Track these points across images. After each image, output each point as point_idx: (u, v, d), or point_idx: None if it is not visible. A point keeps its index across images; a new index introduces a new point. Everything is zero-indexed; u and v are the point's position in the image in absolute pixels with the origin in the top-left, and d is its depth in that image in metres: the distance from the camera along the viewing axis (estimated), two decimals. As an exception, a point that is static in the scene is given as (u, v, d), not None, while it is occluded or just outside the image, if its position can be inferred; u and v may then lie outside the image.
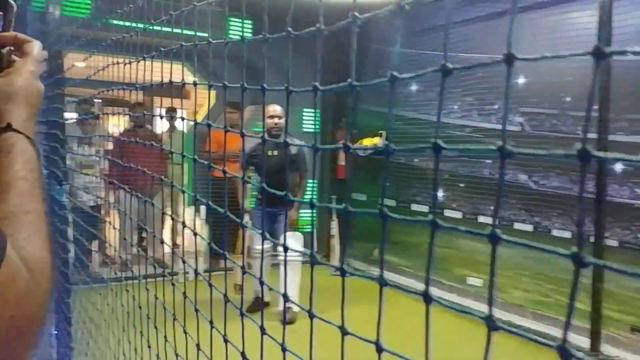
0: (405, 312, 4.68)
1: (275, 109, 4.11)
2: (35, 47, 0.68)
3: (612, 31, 3.55)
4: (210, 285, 0.71)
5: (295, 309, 4.24)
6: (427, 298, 0.43)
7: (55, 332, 2.18)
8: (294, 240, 4.19)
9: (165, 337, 0.92)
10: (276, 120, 4.07)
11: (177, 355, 0.85)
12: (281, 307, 4.24)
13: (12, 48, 0.68)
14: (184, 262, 0.94)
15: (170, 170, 5.47)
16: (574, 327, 3.96)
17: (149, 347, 1.06)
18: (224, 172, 0.64)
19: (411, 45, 5.37)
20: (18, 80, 0.64)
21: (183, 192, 1.09)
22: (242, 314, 0.60)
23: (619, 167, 3.70)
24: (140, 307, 1.07)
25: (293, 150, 4.16)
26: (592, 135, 3.78)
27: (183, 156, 0.77)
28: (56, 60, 1.92)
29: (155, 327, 0.99)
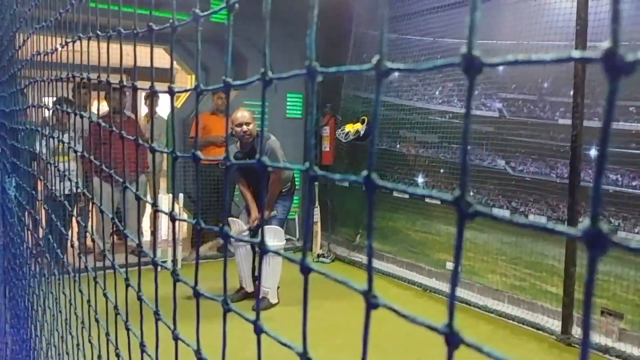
0: (383, 295, 4.75)
1: (242, 115, 4.04)
2: None
3: (588, 17, 3.59)
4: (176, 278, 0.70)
5: (273, 299, 4.27)
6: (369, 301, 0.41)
7: (12, 329, 2.16)
8: (273, 234, 4.18)
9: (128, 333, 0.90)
10: (244, 127, 4.00)
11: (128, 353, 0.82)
12: (261, 295, 4.25)
13: None
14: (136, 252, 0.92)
15: (150, 157, 5.42)
16: (546, 309, 4.07)
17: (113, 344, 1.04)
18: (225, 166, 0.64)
19: (394, 30, 5.35)
20: None
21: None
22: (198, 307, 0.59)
23: (593, 152, 3.76)
24: (106, 299, 1.05)
25: (262, 153, 4.11)
26: (567, 122, 3.84)
27: (172, 154, 0.75)
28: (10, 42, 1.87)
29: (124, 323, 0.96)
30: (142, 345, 0.77)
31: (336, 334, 3.65)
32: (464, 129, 0.29)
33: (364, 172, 0.36)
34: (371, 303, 0.38)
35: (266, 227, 4.14)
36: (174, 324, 0.63)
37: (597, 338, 3.63)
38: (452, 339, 0.32)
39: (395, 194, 5.49)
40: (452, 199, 0.31)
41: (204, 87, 0.50)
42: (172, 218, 0.61)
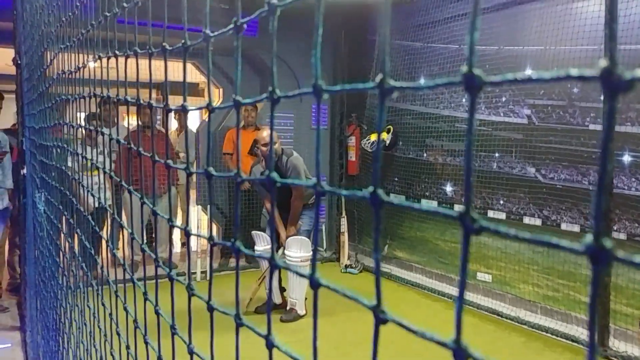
0: (412, 307, 4.70)
1: (268, 134, 4.08)
2: None
3: (617, 20, 3.50)
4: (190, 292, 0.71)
5: (300, 310, 4.27)
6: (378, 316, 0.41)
7: (43, 340, 2.21)
8: (300, 245, 4.20)
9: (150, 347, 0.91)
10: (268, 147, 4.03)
11: None
12: (288, 307, 4.26)
13: None
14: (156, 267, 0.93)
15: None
16: (581, 320, 3.94)
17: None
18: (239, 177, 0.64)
19: (417, 38, 5.34)
20: None
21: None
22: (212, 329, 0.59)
23: (627, 158, 3.65)
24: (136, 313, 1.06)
25: (286, 170, 4.11)
26: (598, 127, 3.74)
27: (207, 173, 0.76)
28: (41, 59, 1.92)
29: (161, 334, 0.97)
30: (159, 359, 0.78)
31: (361, 346, 3.62)
32: (467, 145, 0.29)
33: (370, 188, 0.36)
34: (380, 318, 0.38)
35: (292, 238, 4.15)
36: (189, 337, 0.63)
37: (635, 350, 3.50)
38: (459, 354, 0.32)
39: (423, 202, 5.44)
40: (457, 215, 0.30)
41: (216, 106, 0.51)
42: (186, 232, 0.62)
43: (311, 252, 4.38)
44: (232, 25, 0.46)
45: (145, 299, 0.78)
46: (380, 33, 5.87)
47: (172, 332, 0.68)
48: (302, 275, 0.43)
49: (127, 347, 0.94)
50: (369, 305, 0.38)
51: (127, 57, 0.80)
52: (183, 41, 0.55)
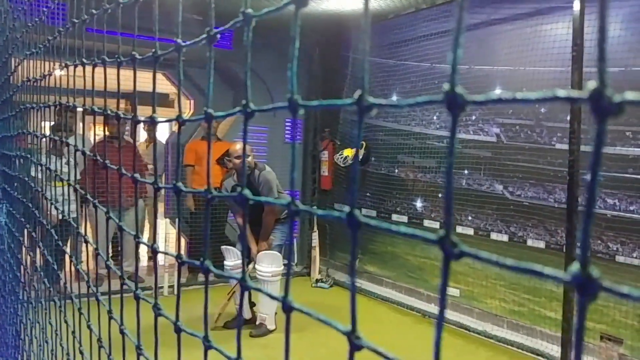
0: (382, 321, 4.71)
1: (237, 148, 4.08)
2: None
3: (584, 43, 3.62)
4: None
5: (270, 325, 4.22)
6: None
7: (2, 357, 2.11)
8: (271, 260, 4.15)
9: None
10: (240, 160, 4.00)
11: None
12: (258, 322, 4.20)
13: None
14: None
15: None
16: (546, 335, 4.00)
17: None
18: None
19: (390, 56, 5.41)
20: None
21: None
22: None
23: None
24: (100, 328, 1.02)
25: (257, 184, 4.07)
26: (564, 146, 3.84)
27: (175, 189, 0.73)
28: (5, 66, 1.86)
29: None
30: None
31: (334, 362, 3.58)
32: (447, 166, 0.28)
33: (347, 209, 0.34)
34: (355, 345, 0.36)
35: (263, 252, 4.10)
36: (155, 358, 0.61)
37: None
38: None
39: (394, 217, 5.47)
40: (437, 239, 0.29)
41: (186, 118, 0.49)
42: (154, 250, 0.59)
43: (282, 267, 4.36)
44: (204, 35, 0.45)
45: (110, 317, 0.75)
46: (359, 49, 5.93)
47: (137, 353, 0.65)
48: (274, 298, 0.41)
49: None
50: (344, 331, 0.37)
51: (94, 65, 0.77)
52: (154, 50, 0.53)
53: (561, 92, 0.26)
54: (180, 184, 0.51)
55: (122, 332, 0.70)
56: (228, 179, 4.25)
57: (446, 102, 0.29)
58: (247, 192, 0.43)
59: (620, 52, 3.48)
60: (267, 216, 4.09)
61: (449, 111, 0.29)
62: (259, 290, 0.43)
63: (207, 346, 0.47)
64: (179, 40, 0.48)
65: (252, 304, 4.34)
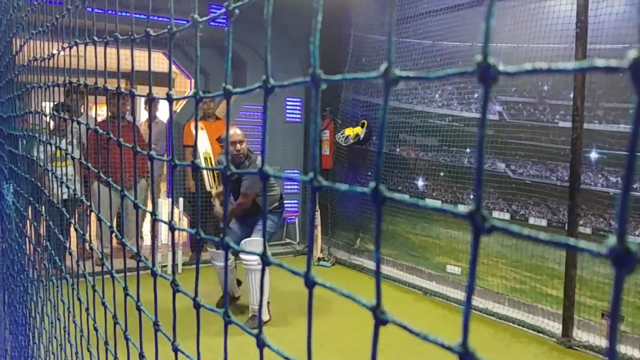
0: (383, 299, 4.74)
1: (236, 133, 4.00)
2: None
3: (588, 19, 3.58)
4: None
5: (264, 316, 4.11)
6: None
7: (12, 335, 2.13)
8: (256, 248, 4.08)
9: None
10: (237, 146, 3.96)
11: None
12: (251, 314, 4.13)
13: None
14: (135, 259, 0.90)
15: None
16: (547, 312, 4.05)
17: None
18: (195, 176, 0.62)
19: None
20: None
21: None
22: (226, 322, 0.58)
23: (594, 155, 3.75)
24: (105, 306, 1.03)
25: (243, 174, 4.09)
26: (567, 124, 3.83)
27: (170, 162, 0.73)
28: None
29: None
30: (141, 356, 0.76)
31: (324, 347, 3.63)
32: (479, 140, 0.28)
33: (372, 184, 0.34)
34: (380, 319, 0.36)
35: (249, 240, 4.03)
36: (174, 335, 0.61)
37: (597, 341, 3.62)
38: (466, 358, 0.31)
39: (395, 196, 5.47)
40: (467, 214, 0.29)
41: (204, 94, 0.48)
42: (172, 228, 0.59)
43: (257, 257, 4.32)
44: (223, 10, 0.44)
45: (126, 295, 0.76)
46: (359, 26, 5.87)
47: (155, 329, 0.65)
48: (295, 273, 0.41)
49: (106, 343, 0.91)
50: (369, 306, 0.37)
51: (107, 44, 0.76)
52: (169, 27, 0.53)
53: (599, 62, 0.25)
54: (198, 161, 0.51)
55: (138, 309, 0.71)
56: (223, 157, 4.23)
57: (478, 73, 0.28)
58: (268, 169, 0.43)
59: (625, 28, 3.44)
60: (238, 203, 4.03)
61: (481, 83, 0.29)
62: (280, 265, 0.43)
63: (227, 321, 0.48)
64: (195, 16, 0.48)
65: (238, 282, 4.38)
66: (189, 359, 0.58)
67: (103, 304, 0.90)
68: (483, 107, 0.27)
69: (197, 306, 0.54)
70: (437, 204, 0.32)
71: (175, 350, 0.59)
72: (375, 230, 0.35)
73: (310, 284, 0.40)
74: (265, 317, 4.14)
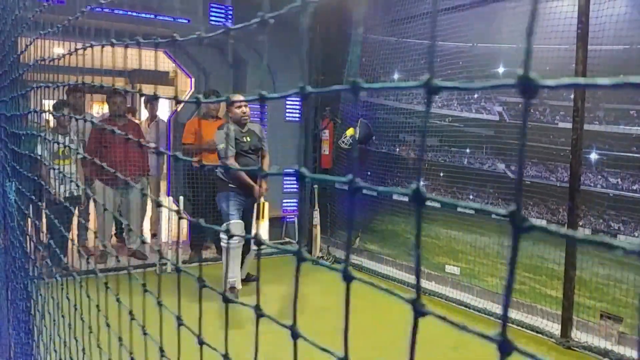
0: (382, 298, 4.76)
1: (240, 97, 4.44)
2: None
3: (589, 21, 3.61)
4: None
5: (238, 285, 4.38)
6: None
7: (14, 330, 2.14)
8: (235, 229, 4.29)
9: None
10: (243, 109, 4.37)
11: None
12: (229, 286, 4.36)
13: None
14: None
15: (151, 160, 5.42)
16: (546, 312, 4.08)
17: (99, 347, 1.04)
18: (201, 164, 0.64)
19: (392, 33, 5.37)
20: None
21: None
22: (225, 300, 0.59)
23: (594, 156, 3.78)
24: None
25: (259, 134, 4.54)
26: (567, 125, 3.86)
27: (173, 155, 0.75)
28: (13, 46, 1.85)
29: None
30: (161, 350, 0.77)
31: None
32: (520, 147, 0.29)
33: (413, 186, 0.36)
34: (419, 311, 0.38)
35: (232, 223, 4.25)
36: (199, 329, 0.63)
37: (596, 341, 3.65)
38: (504, 347, 0.33)
39: (394, 197, 5.50)
40: (507, 214, 0.31)
41: (234, 99, 0.50)
42: (180, 216, 0.61)
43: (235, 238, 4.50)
44: (257, 19, 0.46)
45: (145, 291, 0.77)
46: (354, 27, 5.88)
47: (178, 323, 0.67)
48: (332, 268, 0.43)
49: (120, 339, 0.93)
50: (408, 299, 0.39)
51: (127, 46, 0.78)
52: (198, 33, 0.54)
53: (634, 79, 0.27)
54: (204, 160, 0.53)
55: (159, 304, 0.73)
56: (220, 132, 4.47)
57: (520, 86, 0.30)
58: (304, 170, 0.45)
59: (625, 29, 3.47)
60: (265, 158, 4.61)
61: (522, 96, 0.30)
62: (316, 262, 0.45)
63: (259, 314, 0.50)
64: (228, 24, 0.49)
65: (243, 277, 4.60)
66: (216, 351, 0.60)
67: (117, 300, 0.92)
68: (524, 117, 0.29)
69: (225, 300, 0.56)
70: (476, 205, 0.34)
71: (201, 343, 0.61)
72: (416, 228, 0.36)
73: (348, 278, 0.41)
74: (239, 286, 4.42)
